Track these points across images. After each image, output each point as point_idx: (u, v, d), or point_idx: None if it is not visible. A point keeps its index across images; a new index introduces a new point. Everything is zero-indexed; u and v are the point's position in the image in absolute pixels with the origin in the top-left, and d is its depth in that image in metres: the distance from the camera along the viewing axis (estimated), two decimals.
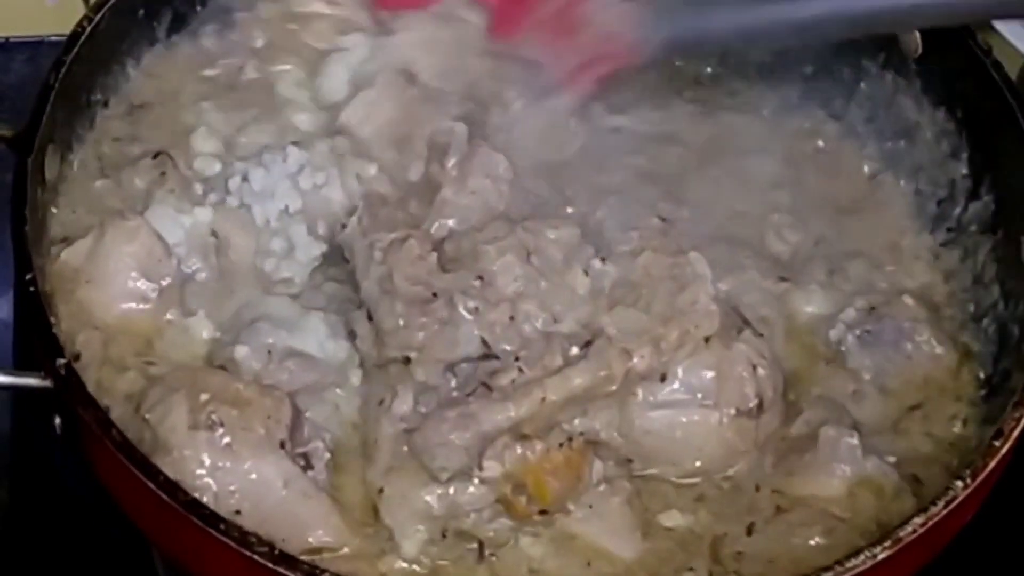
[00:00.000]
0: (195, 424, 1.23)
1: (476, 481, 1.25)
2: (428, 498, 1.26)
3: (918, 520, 1.16)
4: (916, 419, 1.37)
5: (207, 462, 1.22)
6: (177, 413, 1.23)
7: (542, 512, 1.27)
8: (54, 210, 1.40)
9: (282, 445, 1.25)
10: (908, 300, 1.42)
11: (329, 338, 1.36)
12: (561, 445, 1.27)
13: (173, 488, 1.16)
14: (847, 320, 1.42)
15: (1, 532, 1.52)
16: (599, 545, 1.28)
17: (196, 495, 1.17)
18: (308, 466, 1.27)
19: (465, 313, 1.31)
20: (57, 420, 1.27)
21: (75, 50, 1.42)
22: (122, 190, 1.43)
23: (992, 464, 1.20)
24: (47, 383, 1.23)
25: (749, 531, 1.29)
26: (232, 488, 1.22)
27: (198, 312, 1.37)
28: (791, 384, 1.37)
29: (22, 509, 1.53)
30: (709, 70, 1.64)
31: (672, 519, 1.30)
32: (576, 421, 1.28)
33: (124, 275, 1.35)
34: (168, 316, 1.36)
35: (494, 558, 1.26)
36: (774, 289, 1.43)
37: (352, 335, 1.35)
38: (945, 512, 1.17)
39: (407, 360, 1.30)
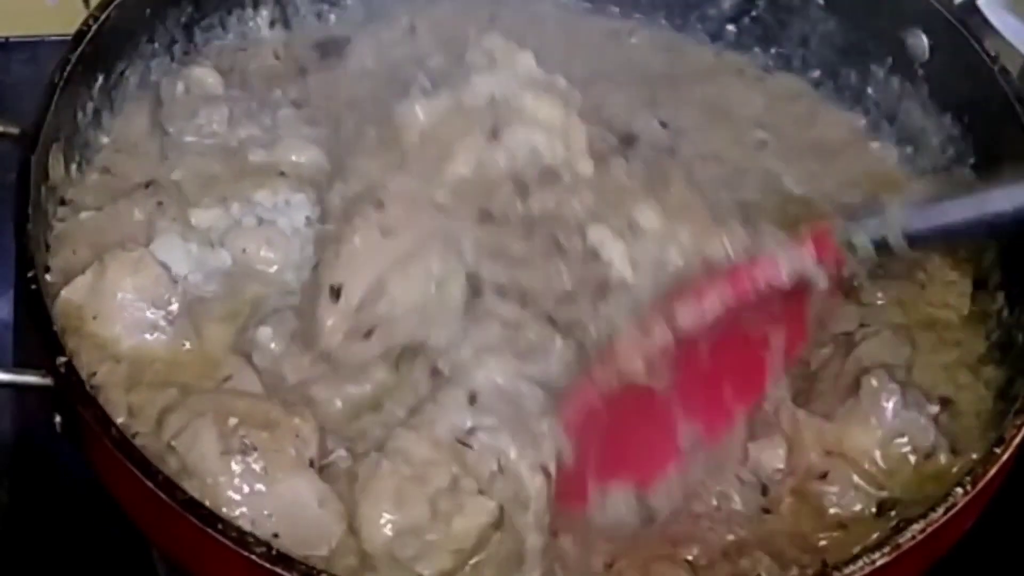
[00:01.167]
0: (227, 449, 1.21)
1: None
2: None
3: (917, 527, 1.15)
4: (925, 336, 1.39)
5: (244, 488, 1.20)
6: (206, 439, 1.21)
7: None
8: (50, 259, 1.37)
9: (311, 463, 1.24)
10: None
11: None
12: None
13: (172, 487, 1.15)
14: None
15: (1, 532, 1.51)
16: None
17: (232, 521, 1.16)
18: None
19: None
20: (57, 418, 1.26)
21: (80, 48, 1.42)
22: (120, 222, 1.39)
23: (993, 471, 1.19)
24: (47, 381, 1.23)
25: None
26: (267, 512, 1.21)
27: (211, 328, 1.35)
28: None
29: (22, 509, 1.52)
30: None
31: None
32: None
33: (132, 307, 1.33)
34: (185, 344, 1.34)
35: None
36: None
37: None
38: (945, 519, 1.16)
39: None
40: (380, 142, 1.41)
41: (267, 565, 1.11)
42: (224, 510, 1.18)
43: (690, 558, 1.26)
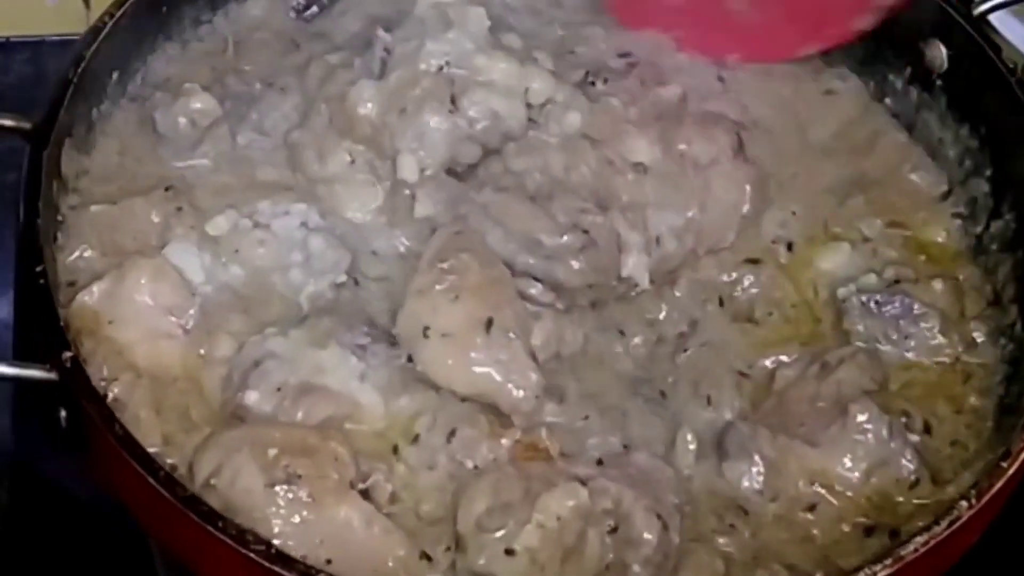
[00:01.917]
0: (272, 481, 1.20)
1: None
2: None
3: (920, 539, 1.14)
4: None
5: (292, 518, 1.19)
6: (248, 473, 1.20)
7: None
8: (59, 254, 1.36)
9: (351, 485, 1.23)
10: (938, 285, 1.41)
11: (355, 378, 1.30)
12: None
13: (173, 483, 1.15)
14: (862, 285, 1.40)
15: (1, 532, 1.51)
16: None
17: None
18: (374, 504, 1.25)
19: None
20: (62, 413, 1.26)
21: (95, 45, 1.42)
22: (134, 220, 1.38)
23: (999, 485, 1.18)
24: (52, 375, 1.22)
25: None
26: (319, 540, 1.19)
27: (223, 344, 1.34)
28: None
29: (22, 509, 1.52)
30: None
31: None
32: None
33: (149, 313, 1.32)
34: (201, 351, 1.33)
35: None
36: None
37: None
38: (948, 532, 1.15)
39: None
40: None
41: (265, 563, 1.11)
42: (276, 543, 1.17)
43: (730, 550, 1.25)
